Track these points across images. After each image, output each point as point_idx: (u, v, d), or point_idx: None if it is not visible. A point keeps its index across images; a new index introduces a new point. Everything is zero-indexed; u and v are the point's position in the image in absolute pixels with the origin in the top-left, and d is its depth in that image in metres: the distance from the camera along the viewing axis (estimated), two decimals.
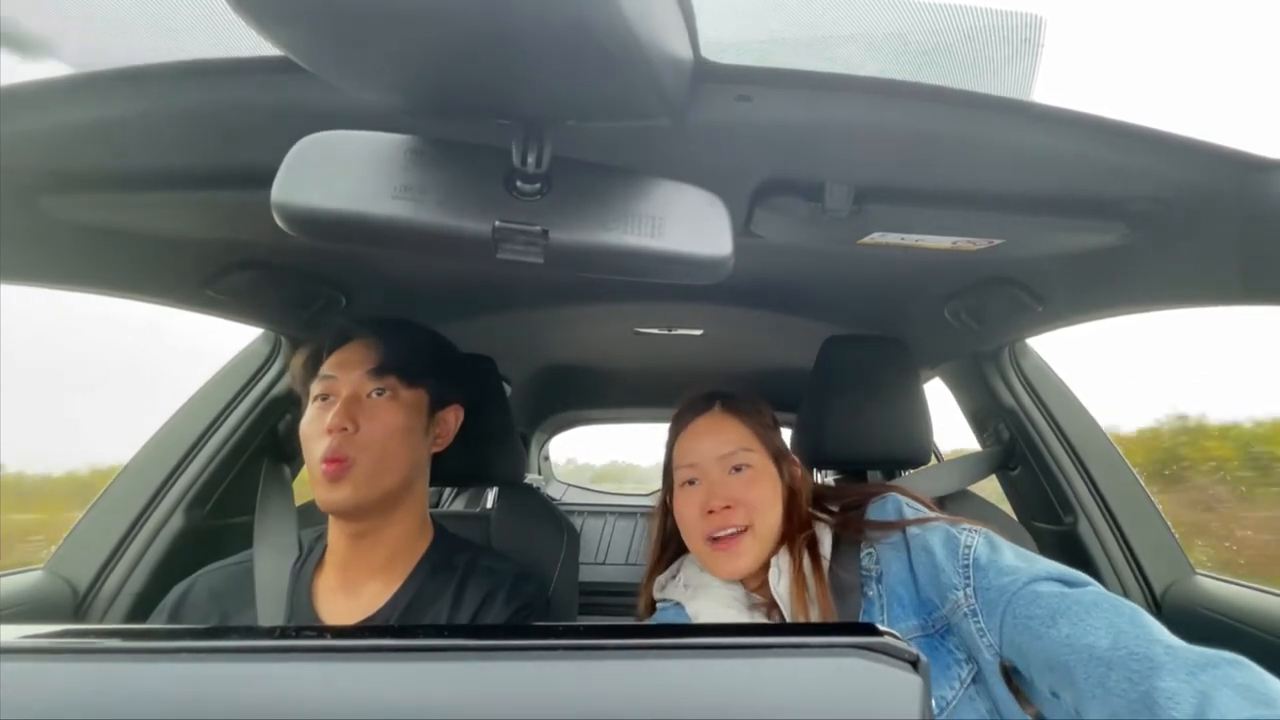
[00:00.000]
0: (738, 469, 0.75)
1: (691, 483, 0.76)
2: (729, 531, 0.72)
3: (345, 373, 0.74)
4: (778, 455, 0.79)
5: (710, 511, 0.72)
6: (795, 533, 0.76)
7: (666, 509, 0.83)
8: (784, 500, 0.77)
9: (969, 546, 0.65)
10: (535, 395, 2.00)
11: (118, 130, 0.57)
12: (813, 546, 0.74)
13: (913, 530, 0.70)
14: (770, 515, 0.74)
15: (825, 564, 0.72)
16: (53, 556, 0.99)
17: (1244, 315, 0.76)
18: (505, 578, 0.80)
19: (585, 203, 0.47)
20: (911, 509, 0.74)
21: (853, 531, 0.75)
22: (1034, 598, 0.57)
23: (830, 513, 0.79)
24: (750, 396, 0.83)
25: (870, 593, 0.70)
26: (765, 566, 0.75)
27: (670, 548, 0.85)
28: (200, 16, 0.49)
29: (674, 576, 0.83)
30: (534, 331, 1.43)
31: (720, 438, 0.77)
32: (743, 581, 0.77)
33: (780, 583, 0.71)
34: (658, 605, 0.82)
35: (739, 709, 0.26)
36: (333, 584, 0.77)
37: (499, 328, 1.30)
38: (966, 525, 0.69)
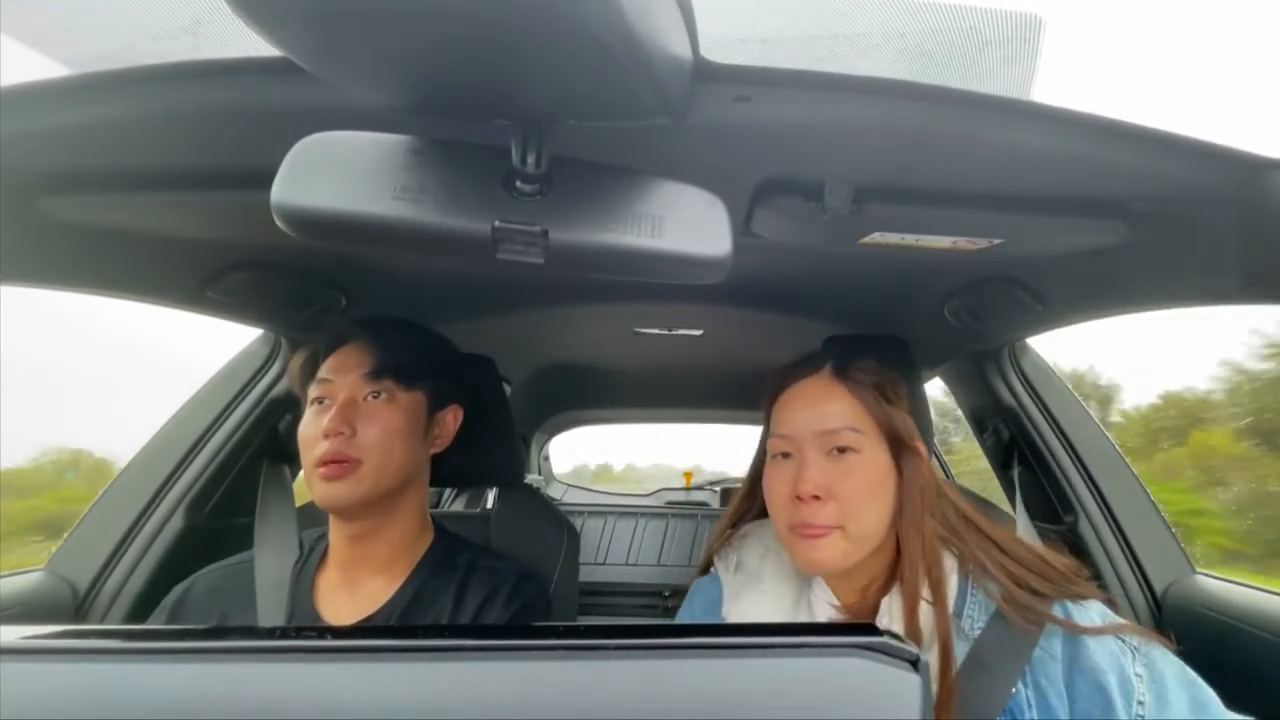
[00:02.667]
0: (840, 450, 0.62)
1: (786, 456, 0.64)
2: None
3: (341, 376, 0.74)
4: (896, 441, 0.64)
5: (797, 498, 0.61)
6: (918, 558, 0.60)
7: (756, 479, 0.71)
8: (895, 501, 0.62)
9: (1141, 702, 0.54)
10: (535, 395, 2.00)
11: (118, 130, 0.57)
12: (937, 586, 0.59)
13: (1090, 649, 0.57)
14: (869, 516, 0.60)
15: (950, 609, 0.59)
16: (53, 556, 0.99)
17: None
18: (507, 577, 0.80)
19: (585, 203, 0.47)
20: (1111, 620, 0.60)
21: (1032, 615, 0.58)
22: None
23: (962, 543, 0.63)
24: (869, 361, 0.67)
25: (1015, 689, 0.57)
26: (864, 589, 0.64)
27: (753, 516, 0.75)
28: (200, 16, 0.49)
29: (738, 540, 0.73)
30: (534, 331, 1.43)
31: (823, 410, 0.64)
32: (833, 588, 0.66)
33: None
34: (711, 569, 0.74)
35: (739, 709, 0.26)
36: (334, 582, 0.77)
37: (499, 328, 1.30)
38: (1133, 647, 0.57)
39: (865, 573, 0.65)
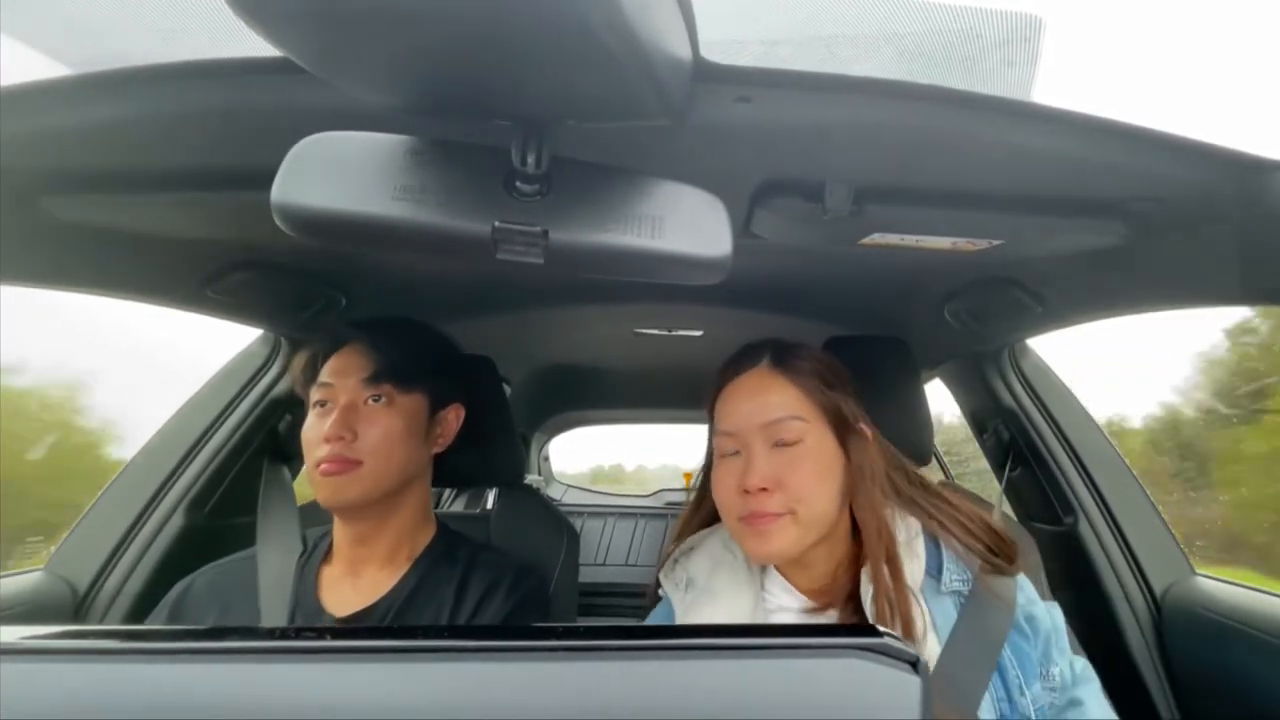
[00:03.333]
0: (784, 443, 0.62)
1: (736, 454, 0.64)
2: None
3: (341, 380, 0.75)
4: (840, 426, 0.64)
5: (745, 491, 0.61)
6: (875, 537, 0.62)
7: (707, 478, 0.71)
8: (844, 484, 0.63)
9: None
10: (535, 395, 2.00)
11: (118, 130, 0.57)
12: (893, 561, 0.61)
13: (1024, 583, 0.64)
14: (819, 503, 0.61)
15: (917, 580, 0.62)
16: (53, 556, 0.99)
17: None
18: (507, 571, 0.80)
19: (585, 203, 0.47)
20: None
21: (1009, 564, 0.63)
22: None
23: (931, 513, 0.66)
24: (810, 350, 0.69)
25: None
26: (832, 572, 0.66)
27: (700, 524, 0.75)
28: (200, 16, 0.49)
29: (684, 556, 0.72)
30: (534, 331, 1.43)
31: (764, 401, 0.64)
32: (792, 579, 0.67)
33: (868, 603, 0.61)
34: (660, 595, 0.73)
35: (739, 710, 0.26)
36: (337, 574, 0.78)
37: (499, 328, 1.30)
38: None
39: (828, 557, 0.65)
